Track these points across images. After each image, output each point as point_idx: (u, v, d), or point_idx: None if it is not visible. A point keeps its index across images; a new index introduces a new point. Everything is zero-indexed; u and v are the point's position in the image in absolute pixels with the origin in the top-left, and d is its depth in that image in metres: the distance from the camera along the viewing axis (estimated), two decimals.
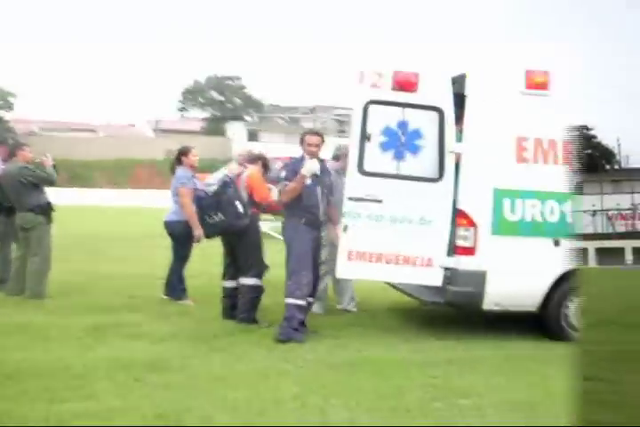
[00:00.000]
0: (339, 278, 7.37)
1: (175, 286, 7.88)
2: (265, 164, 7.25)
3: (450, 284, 6.28)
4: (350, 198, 6.18)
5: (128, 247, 14.20)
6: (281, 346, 5.94)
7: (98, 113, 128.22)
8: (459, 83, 6.39)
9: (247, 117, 63.57)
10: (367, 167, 6.20)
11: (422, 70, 6.26)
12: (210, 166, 46.38)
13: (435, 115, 6.25)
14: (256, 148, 10.67)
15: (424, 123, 6.26)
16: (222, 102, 62.44)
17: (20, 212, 7.80)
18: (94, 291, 8.45)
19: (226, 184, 6.63)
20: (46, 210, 7.86)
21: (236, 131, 56.54)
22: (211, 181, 6.75)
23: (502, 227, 6.26)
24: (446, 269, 6.28)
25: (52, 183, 7.85)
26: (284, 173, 6.33)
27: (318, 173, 6.28)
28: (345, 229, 6.19)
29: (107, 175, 45.99)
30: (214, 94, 62.70)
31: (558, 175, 6.37)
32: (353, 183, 6.21)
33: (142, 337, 6.09)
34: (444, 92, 6.26)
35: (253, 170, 6.98)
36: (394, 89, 6.22)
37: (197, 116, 64.58)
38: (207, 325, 6.67)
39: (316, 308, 7.39)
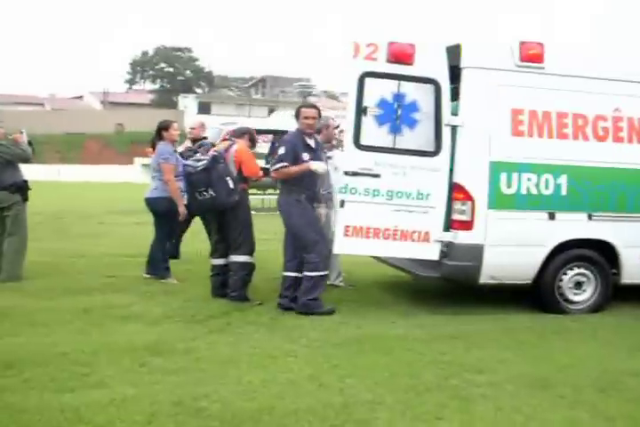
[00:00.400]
0: None
1: (158, 264, 7.65)
2: (252, 138, 7.04)
3: (446, 258, 6.23)
4: (347, 173, 6.04)
5: (92, 224, 13.80)
6: (280, 325, 5.83)
7: (42, 85, 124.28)
8: (452, 54, 6.26)
9: (198, 90, 62.42)
10: (363, 141, 6.05)
11: (417, 41, 6.10)
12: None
13: (431, 87, 6.12)
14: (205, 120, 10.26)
15: (420, 95, 6.13)
16: (173, 74, 61.08)
17: None
18: (70, 271, 8.16)
19: (216, 159, 6.42)
20: (22, 188, 7.50)
21: (187, 103, 55.48)
22: (199, 157, 6.54)
23: (499, 200, 6.21)
24: (443, 243, 6.22)
25: (27, 160, 7.49)
26: (282, 150, 6.14)
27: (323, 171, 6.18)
28: (342, 204, 6.06)
29: (57, 150, 44.65)
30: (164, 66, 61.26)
31: (553, 148, 6.35)
32: (349, 157, 6.06)
33: (135, 319, 5.89)
34: (440, 63, 6.13)
35: (242, 144, 6.77)
36: (389, 61, 6.05)
37: (145, 89, 63.17)
38: (198, 304, 6.50)
39: (337, 281, 7.34)
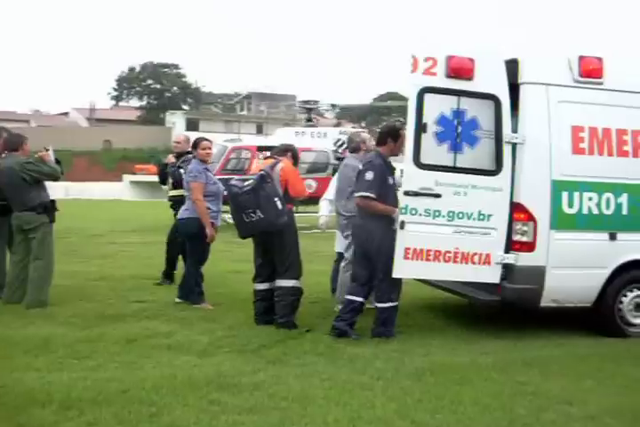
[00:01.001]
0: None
1: (192, 288, 7.29)
2: (294, 155, 6.75)
3: (507, 281, 5.96)
4: (407, 193, 5.77)
5: (101, 244, 13.37)
6: (339, 354, 5.50)
7: (24, 101, 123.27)
8: (508, 69, 6.04)
9: (185, 106, 62.11)
10: (424, 159, 5.79)
11: (476, 55, 5.87)
12: (149, 157, 45.19)
13: (491, 103, 5.89)
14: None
15: (480, 112, 5.90)
16: (159, 91, 60.72)
17: (18, 211, 7.05)
18: (96, 296, 7.74)
19: (263, 178, 6.11)
20: (49, 208, 7.14)
21: (174, 120, 55.14)
22: (246, 176, 6.24)
23: (560, 221, 5.98)
24: (504, 265, 5.95)
25: (57, 179, 7.15)
26: (371, 176, 5.84)
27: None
28: (402, 225, 5.77)
29: None
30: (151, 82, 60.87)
31: (614, 166, 6.13)
32: (409, 177, 5.79)
33: (183, 349, 5.54)
34: (499, 78, 5.90)
35: (287, 162, 6.47)
36: (448, 76, 5.82)
37: (132, 105, 62.76)
38: (244, 332, 6.15)
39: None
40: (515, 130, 5.95)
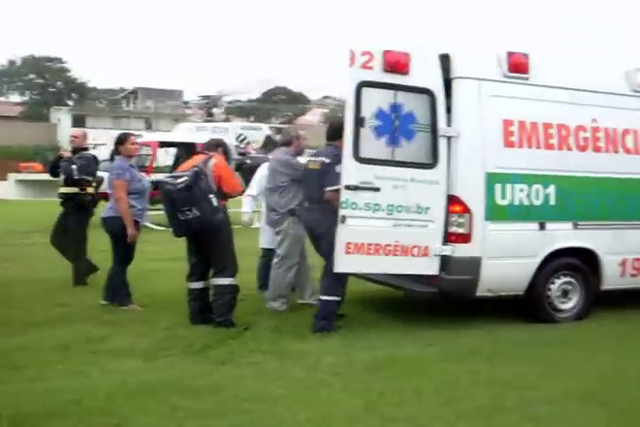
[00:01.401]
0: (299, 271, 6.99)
1: (119, 289, 6.99)
2: (225, 150, 6.61)
3: (445, 272, 6.08)
4: (348, 187, 5.74)
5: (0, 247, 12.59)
6: (286, 351, 5.42)
7: None
8: (441, 64, 6.13)
9: (70, 102, 59.57)
10: (363, 153, 5.79)
11: (412, 50, 5.94)
12: (34, 154, 42.92)
13: (426, 97, 5.97)
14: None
15: (416, 106, 5.96)
16: (43, 86, 57.84)
17: None
18: (12, 301, 7.27)
19: (197, 175, 5.92)
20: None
21: (60, 116, 52.83)
22: (181, 173, 6.02)
23: (494, 212, 6.15)
24: (441, 257, 6.06)
25: None
26: (339, 169, 5.79)
27: None
28: (343, 219, 5.75)
29: None
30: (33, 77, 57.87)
31: (542, 159, 6.37)
32: (349, 171, 5.76)
33: (126, 353, 5.29)
34: (434, 73, 6.00)
35: (219, 158, 6.31)
36: (385, 70, 5.84)
37: (13, 101, 59.56)
38: (184, 333, 5.95)
39: (277, 305, 6.92)
40: (449, 124, 6.05)
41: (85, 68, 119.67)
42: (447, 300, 6.69)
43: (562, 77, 6.51)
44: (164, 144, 17.52)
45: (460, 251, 6.04)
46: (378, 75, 5.82)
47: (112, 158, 7.30)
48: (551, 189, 6.38)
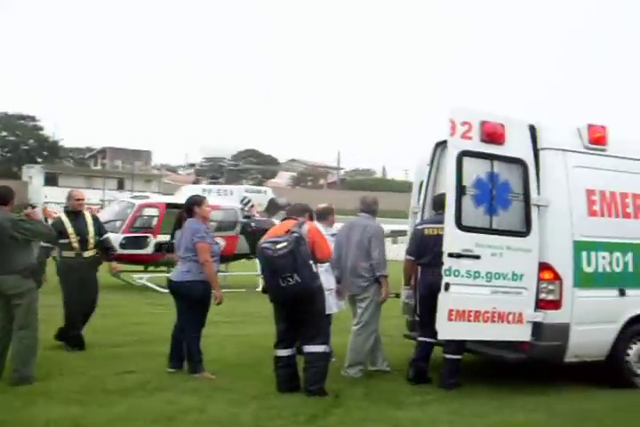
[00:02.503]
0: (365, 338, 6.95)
1: (192, 356, 6.81)
2: (311, 216, 6.64)
3: (536, 338, 6.14)
4: (451, 255, 5.84)
5: None
6: (400, 420, 5.35)
7: None
8: None
9: (39, 160, 59.07)
10: (464, 222, 5.92)
11: (506, 121, 6.17)
12: None
13: (519, 167, 6.19)
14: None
15: (510, 175, 6.16)
16: (15, 143, 57.38)
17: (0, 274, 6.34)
18: (69, 368, 7.01)
19: (298, 241, 5.92)
20: (36, 272, 6.47)
21: (31, 173, 52.26)
22: (278, 239, 6.00)
23: (581, 279, 6.29)
24: (533, 323, 6.14)
25: (52, 241, 6.51)
26: None
27: None
28: (447, 287, 5.82)
29: None
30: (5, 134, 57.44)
31: (621, 227, 6.58)
32: (452, 238, 5.88)
33: (235, 425, 5.14)
34: (526, 144, 6.23)
35: (311, 224, 6.34)
36: (483, 140, 6.05)
37: None
38: (278, 402, 5.80)
39: (354, 372, 6.86)
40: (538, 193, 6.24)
41: (59, 127, 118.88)
42: (533, 366, 6.69)
43: (633, 149, 6.80)
44: (170, 206, 17.44)
45: (550, 317, 6.14)
46: (476, 144, 6.02)
47: (179, 221, 7.17)
48: (629, 257, 6.57)
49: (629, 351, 6.62)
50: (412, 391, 6.31)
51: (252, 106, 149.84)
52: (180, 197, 17.88)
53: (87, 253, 8.14)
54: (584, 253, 6.32)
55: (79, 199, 8.39)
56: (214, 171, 20.29)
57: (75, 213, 8.23)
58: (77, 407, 5.52)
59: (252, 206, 18.11)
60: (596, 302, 6.37)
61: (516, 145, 6.17)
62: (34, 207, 6.67)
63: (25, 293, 6.34)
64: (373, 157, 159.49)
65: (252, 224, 17.47)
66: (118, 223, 16.17)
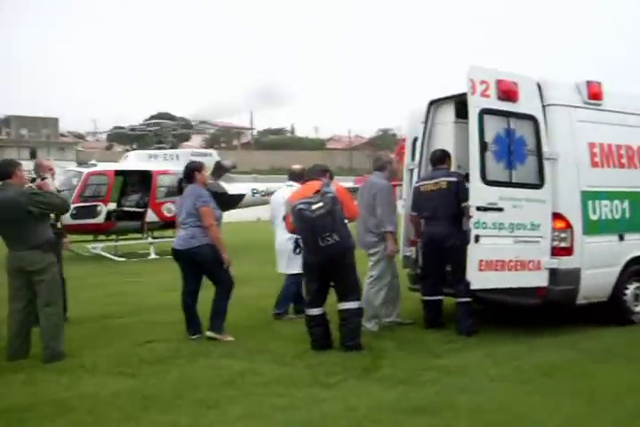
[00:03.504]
0: (389, 291, 7.22)
1: (220, 317, 6.85)
2: (331, 175, 6.76)
3: (552, 283, 6.56)
4: (478, 208, 6.12)
5: None
6: (449, 368, 5.63)
7: None
8: None
9: None
10: (488, 176, 6.20)
11: (518, 79, 6.43)
12: None
13: (531, 123, 6.49)
14: None
15: (524, 131, 6.46)
16: None
17: (18, 250, 6.15)
18: (96, 340, 6.98)
19: (334, 201, 6.05)
20: (55, 245, 6.32)
21: None
22: (311, 200, 6.09)
23: (588, 227, 6.72)
24: (549, 269, 6.54)
25: (66, 211, 6.36)
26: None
27: None
28: (477, 239, 6.11)
29: None
30: None
31: (618, 177, 7.04)
32: (478, 193, 6.16)
33: (297, 384, 5.25)
34: (536, 101, 6.52)
35: (338, 184, 6.47)
36: (499, 98, 6.30)
37: None
38: (319, 359, 5.94)
39: (371, 326, 7.12)
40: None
41: None
42: (546, 311, 7.12)
43: (624, 103, 7.23)
44: (119, 173, 17.03)
45: (564, 263, 6.56)
46: (494, 102, 6.27)
47: (180, 186, 7.14)
48: (626, 204, 7.06)
49: (627, 291, 7.15)
50: (438, 340, 6.60)
51: (159, 69, 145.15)
52: (127, 164, 17.53)
53: None
54: (590, 203, 6.74)
55: (52, 169, 7.98)
56: (157, 135, 19.79)
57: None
58: (130, 380, 5.54)
59: None
60: (601, 247, 6.83)
61: (528, 102, 6.46)
62: (43, 179, 6.42)
63: (46, 268, 6.20)
64: (283, 117, 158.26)
65: None
66: (66, 193, 15.67)
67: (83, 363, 6.05)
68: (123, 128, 44.62)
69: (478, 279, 6.18)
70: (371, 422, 4.37)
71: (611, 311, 7.14)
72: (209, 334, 6.85)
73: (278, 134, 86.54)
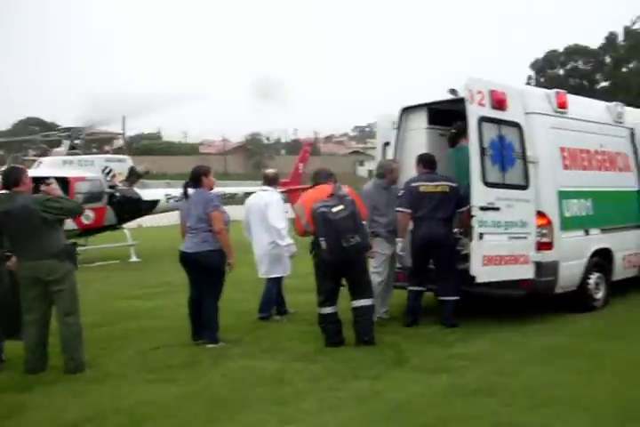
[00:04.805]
0: (382, 287, 7.61)
1: (214, 325, 6.92)
2: (336, 179, 7.08)
3: (537, 275, 7.24)
4: (481, 208, 6.68)
5: None
6: (474, 355, 6.09)
7: None
8: None
9: None
10: (487, 179, 6.77)
11: (506, 90, 7.05)
12: None
13: (516, 130, 7.13)
14: None
15: (512, 137, 7.10)
16: None
17: (33, 260, 6.00)
18: (101, 349, 6.85)
19: (354, 203, 6.40)
20: (72, 253, 6.22)
21: None
22: (329, 202, 6.39)
23: (564, 223, 7.46)
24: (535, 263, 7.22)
25: (79, 215, 6.25)
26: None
27: None
28: (481, 236, 6.68)
29: None
30: None
31: (584, 178, 7.86)
32: (480, 194, 6.72)
33: (349, 377, 5.53)
34: (520, 109, 7.18)
35: (349, 188, 6.80)
36: (493, 107, 6.90)
37: None
38: (343, 355, 6.23)
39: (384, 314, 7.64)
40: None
41: None
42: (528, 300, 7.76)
43: (582, 112, 8.08)
44: (34, 179, 16.22)
45: (546, 257, 7.27)
46: (489, 111, 6.86)
47: (185, 191, 7.16)
48: (590, 202, 7.89)
49: (589, 281, 7.97)
50: (436, 332, 7.08)
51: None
52: (41, 171, 16.75)
53: None
54: (564, 201, 7.50)
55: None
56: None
57: None
58: (172, 385, 5.53)
59: (114, 176, 17.51)
60: (572, 241, 7.60)
61: (514, 110, 7.11)
62: (48, 184, 6.29)
63: (64, 277, 6.07)
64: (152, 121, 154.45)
65: (117, 194, 17.07)
66: None
67: (108, 372, 6.00)
68: None
69: (482, 273, 6.73)
70: (446, 404, 4.74)
71: (577, 299, 7.93)
72: (196, 342, 6.99)
73: (152, 139, 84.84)
